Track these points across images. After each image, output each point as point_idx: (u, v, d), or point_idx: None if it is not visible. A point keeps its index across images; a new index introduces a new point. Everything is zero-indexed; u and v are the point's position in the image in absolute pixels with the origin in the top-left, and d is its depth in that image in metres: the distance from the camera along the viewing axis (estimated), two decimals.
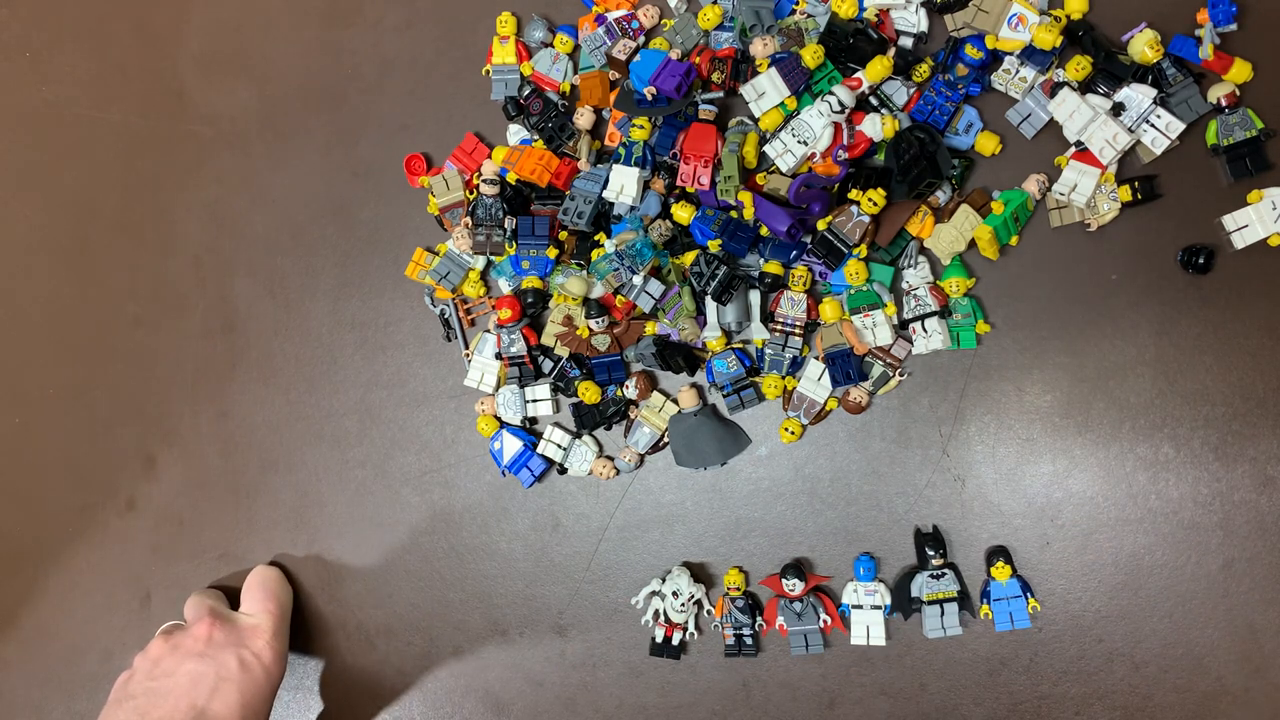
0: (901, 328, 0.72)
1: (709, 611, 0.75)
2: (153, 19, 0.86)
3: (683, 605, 0.73)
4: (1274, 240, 0.68)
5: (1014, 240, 0.72)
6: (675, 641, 0.75)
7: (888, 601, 0.72)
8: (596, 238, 0.74)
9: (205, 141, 0.84)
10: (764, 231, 0.70)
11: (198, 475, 0.83)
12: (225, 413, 0.83)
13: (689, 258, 0.72)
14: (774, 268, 0.71)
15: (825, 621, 0.73)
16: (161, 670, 0.71)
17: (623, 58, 0.74)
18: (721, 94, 0.73)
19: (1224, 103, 0.69)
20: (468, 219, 0.76)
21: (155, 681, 0.70)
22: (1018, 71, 0.70)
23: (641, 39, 0.75)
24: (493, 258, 0.77)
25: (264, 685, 0.72)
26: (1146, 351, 0.71)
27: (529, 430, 0.77)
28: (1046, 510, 0.72)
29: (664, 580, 0.75)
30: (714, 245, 0.71)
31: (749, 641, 0.74)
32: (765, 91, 0.70)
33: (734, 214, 0.71)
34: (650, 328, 0.74)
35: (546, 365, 0.76)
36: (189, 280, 0.84)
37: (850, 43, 0.70)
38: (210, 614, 0.74)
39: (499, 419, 0.77)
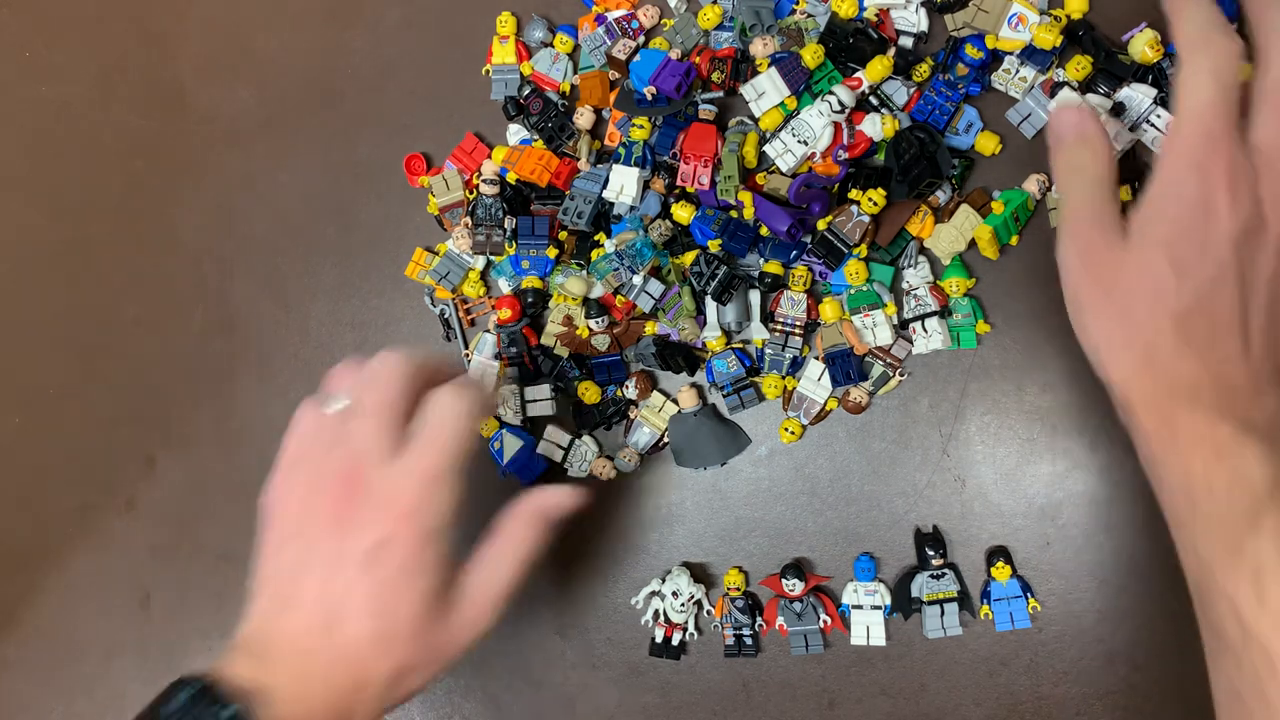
0: (901, 328, 0.72)
1: (709, 611, 0.75)
2: (153, 19, 0.86)
3: (683, 605, 0.73)
4: None
5: (1014, 240, 0.72)
6: (675, 641, 0.75)
7: (888, 602, 0.72)
8: (596, 238, 0.74)
9: (205, 141, 0.84)
10: (764, 231, 0.70)
11: (198, 475, 0.83)
12: (225, 413, 0.83)
13: (689, 258, 0.71)
14: (774, 268, 0.71)
15: (825, 621, 0.73)
16: None
17: (623, 58, 0.74)
18: (721, 94, 0.73)
19: None
20: (468, 219, 0.76)
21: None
22: (1018, 71, 0.70)
23: (641, 39, 0.75)
24: (493, 258, 0.77)
25: None
26: None
27: (529, 430, 0.77)
28: (1046, 510, 0.72)
29: (664, 580, 0.75)
30: (714, 245, 0.71)
31: (749, 641, 0.74)
32: (765, 91, 0.70)
33: (734, 214, 0.71)
34: (650, 328, 0.74)
35: (546, 365, 0.76)
36: (189, 280, 0.84)
37: (850, 43, 0.70)
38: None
39: (499, 419, 0.77)
